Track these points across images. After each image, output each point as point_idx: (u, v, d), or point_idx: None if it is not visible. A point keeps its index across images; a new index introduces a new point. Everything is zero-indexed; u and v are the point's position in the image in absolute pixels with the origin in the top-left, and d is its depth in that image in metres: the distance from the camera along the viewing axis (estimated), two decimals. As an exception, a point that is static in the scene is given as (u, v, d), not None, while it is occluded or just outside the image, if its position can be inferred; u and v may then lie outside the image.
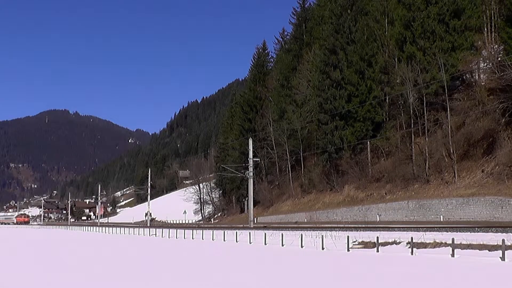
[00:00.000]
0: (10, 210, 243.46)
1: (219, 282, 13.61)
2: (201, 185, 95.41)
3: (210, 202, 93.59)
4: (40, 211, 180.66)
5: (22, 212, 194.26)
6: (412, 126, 45.90)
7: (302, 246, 24.39)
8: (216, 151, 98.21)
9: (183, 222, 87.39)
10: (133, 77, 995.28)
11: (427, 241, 20.19)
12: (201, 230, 40.12)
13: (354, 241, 23.20)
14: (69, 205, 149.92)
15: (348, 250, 21.78)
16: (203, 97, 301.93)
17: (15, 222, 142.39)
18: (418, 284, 12.57)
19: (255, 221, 53.56)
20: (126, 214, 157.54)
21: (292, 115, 63.24)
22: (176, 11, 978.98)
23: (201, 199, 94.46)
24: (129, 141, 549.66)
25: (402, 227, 28.00)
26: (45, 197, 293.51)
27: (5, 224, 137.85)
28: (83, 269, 17.78)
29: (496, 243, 17.43)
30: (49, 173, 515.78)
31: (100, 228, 71.87)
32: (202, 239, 35.80)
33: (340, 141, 52.59)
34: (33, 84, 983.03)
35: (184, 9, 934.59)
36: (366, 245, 22.45)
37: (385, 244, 21.40)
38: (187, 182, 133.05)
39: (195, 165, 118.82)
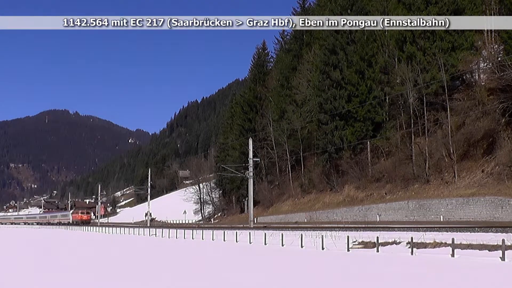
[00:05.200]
0: (10, 210, 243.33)
1: (219, 282, 13.61)
2: (201, 185, 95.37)
3: (210, 202, 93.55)
4: (40, 211, 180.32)
5: (80, 205, 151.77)
6: (412, 126, 45.90)
7: (302, 246, 24.39)
8: (216, 151, 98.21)
9: (183, 222, 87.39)
10: (133, 77, 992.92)
11: (427, 241, 20.20)
12: (201, 230, 40.13)
13: (354, 241, 23.20)
14: (69, 205, 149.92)
15: (348, 250, 21.79)
16: (203, 97, 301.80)
17: (71, 221, 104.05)
18: (418, 284, 12.58)
19: (255, 221, 53.56)
20: (126, 214, 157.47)
21: (292, 115, 63.24)
22: (176, 11, 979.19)
23: (201, 199, 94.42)
24: (129, 141, 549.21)
25: (402, 227, 28.02)
26: (45, 197, 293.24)
27: (61, 224, 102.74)
28: (83, 270, 17.77)
29: (496, 243, 17.43)
30: (49, 173, 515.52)
31: (100, 228, 71.87)
32: (202, 239, 35.81)
33: (340, 141, 52.60)
34: (33, 84, 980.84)
35: (184, 9, 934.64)
36: (366, 245, 22.45)
37: (385, 244, 21.41)
38: (187, 182, 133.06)
39: (195, 165, 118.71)
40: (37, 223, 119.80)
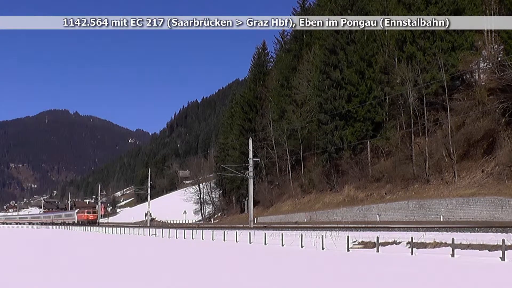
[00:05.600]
0: (10, 210, 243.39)
1: (219, 282, 13.61)
2: (201, 185, 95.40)
3: (210, 202, 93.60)
4: (40, 211, 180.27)
5: (80, 205, 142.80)
6: (412, 126, 45.91)
7: (302, 246, 24.39)
8: (216, 151, 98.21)
9: (183, 222, 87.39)
10: (133, 77, 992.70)
11: (427, 241, 20.20)
12: (201, 230, 40.12)
13: (354, 241, 23.20)
14: (69, 205, 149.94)
15: (348, 250, 21.79)
16: (203, 97, 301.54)
17: (76, 220, 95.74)
18: (418, 284, 12.58)
19: (255, 221, 53.57)
20: (126, 214, 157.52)
21: (292, 115, 63.25)
22: (176, 11, 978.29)
23: (201, 199, 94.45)
24: (129, 141, 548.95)
25: (402, 227, 28.03)
26: (45, 197, 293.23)
27: (65, 224, 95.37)
28: (82, 270, 17.78)
29: (496, 243, 17.43)
30: (49, 173, 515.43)
31: (100, 228, 71.86)
32: (202, 239, 35.79)
33: (340, 141, 52.62)
34: (33, 84, 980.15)
35: (184, 9, 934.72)
36: (366, 245, 22.45)
37: (385, 244, 21.40)
38: (187, 182, 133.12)
39: (195, 165, 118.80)
40: (41, 223, 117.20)
